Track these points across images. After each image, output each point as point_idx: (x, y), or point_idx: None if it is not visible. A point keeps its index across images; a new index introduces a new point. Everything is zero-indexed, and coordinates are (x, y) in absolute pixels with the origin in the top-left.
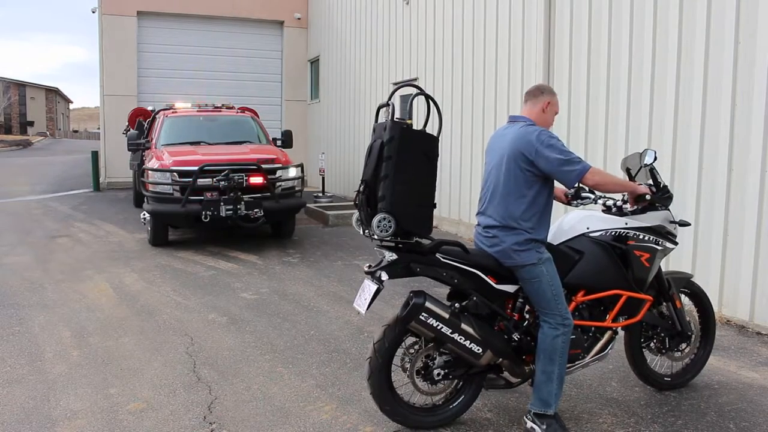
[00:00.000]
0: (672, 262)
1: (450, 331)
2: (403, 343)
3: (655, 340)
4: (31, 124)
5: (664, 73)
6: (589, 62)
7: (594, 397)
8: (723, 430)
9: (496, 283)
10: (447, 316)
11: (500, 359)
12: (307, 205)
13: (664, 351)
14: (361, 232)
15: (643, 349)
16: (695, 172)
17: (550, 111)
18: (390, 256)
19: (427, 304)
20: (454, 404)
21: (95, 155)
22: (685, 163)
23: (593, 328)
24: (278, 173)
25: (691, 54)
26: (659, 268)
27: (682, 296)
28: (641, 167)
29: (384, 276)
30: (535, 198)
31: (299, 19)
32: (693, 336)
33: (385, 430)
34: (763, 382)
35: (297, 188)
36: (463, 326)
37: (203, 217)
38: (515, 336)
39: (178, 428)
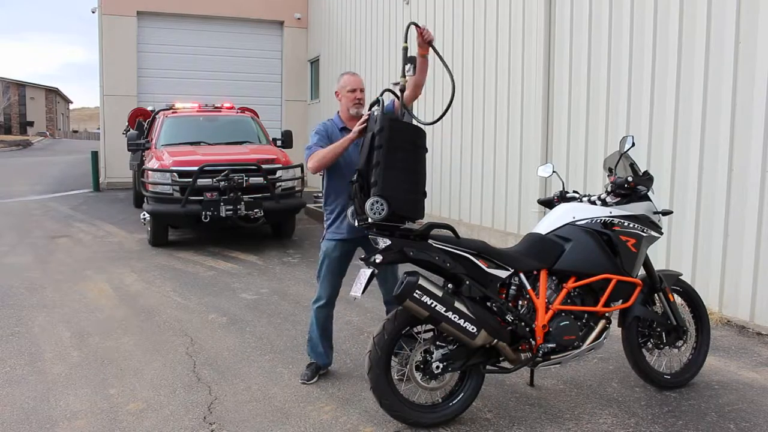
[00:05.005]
0: (672, 262)
1: (444, 309)
2: (401, 340)
3: (652, 337)
4: (31, 124)
5: (664, 73)
6: (589, 62)
7: (594, 397)
8: (723, 431)
9: (488, 267)
10: (440, 294)
11: (495, 341)
12: (307, 205)
13: (661, 346)
14: (356, 224)
15: (642, 348)
16: (695, 172)
17: (343, 96)
18: (384, 242)
19: (421, 282)
20: (454, 401)
21: (95, 155)
22: (686, 162)
23: (586, 315)
24: (278, 173)
25: (691, 54)
26: (649, 261)
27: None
28: (620, 157)
29: (378, 258)
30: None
31: (299, 19)
32: (688, 332)
33: (386, 430)
34: (764, 383)
35: (297, 188)
36: (457, 305)
37: (203, 217)
38: (509, 318)
39: (178, 428)
